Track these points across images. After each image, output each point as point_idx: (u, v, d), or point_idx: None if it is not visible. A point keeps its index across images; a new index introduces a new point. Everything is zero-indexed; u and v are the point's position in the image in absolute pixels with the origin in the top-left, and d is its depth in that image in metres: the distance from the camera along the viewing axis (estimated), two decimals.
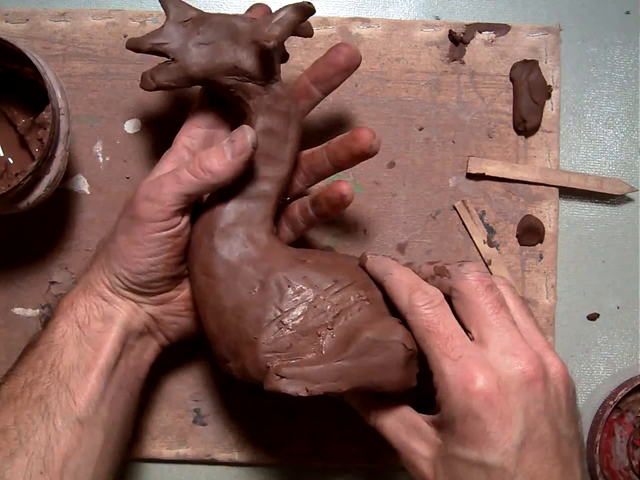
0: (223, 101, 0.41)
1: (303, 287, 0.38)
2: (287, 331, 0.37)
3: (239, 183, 0.39)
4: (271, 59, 0.38)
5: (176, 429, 0.47)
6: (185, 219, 0.39)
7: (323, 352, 0.37)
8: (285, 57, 0.42)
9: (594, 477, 0.47)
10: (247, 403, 0.47)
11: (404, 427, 0.37)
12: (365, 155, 0.41)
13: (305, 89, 0.42)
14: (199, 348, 0.47)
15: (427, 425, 0.36)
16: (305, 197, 0.43)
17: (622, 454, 0.48)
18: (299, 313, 0.38)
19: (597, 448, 0.47)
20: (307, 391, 0.35)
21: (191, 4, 0.48)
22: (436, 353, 0.35)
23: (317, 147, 0.42)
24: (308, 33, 0.42)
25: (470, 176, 0.48)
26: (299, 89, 0.42)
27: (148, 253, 0.38)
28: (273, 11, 0.40)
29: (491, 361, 0.34)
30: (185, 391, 0.48)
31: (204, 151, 0.38)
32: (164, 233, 0.38)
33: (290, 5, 0.38)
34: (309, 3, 0.38)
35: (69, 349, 0.38)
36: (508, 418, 0.33)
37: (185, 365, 0.47)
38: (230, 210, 0.39)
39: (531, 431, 0.33)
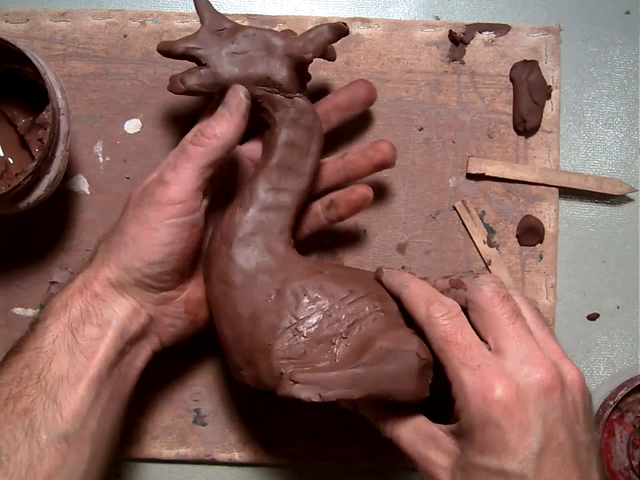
0: None
1: (319, 296, 0.39)
2: (302, 338, 0.38)
3: (258, 194, 0.40)
4: (304, 71, 0.40)
5: (176, 429, 0.47)
6: (204, 204, 0.39)
7: (337, 360, 0.37)
8: (308, 77, 0.43)
9: None
10: (247, 403, 0.47)
11: (420, 437, 0.37)
12: (385, 165, 0.44)
13: (325, 114, 0.44)
14: (199, 348, 0.47)
15: (444, 435, 0.36)
16: (312, 202, 0.44)
17: (622, 454, 0.48)
18: (314, 321, 0.38)
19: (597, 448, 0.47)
20: (320, 397, 0.35)
21: (191, 3, 0.49)
22: (454, 363, 0.35)
23: (330, 157, 0.44)
24: (331, 57, 0.44)
25: (470, 176, 0.48)
26: (319, 112, 0.43)
27: (165, 241, 0.38)
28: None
29: (509, 370, 0.34)
30: (185, 391, 0.48)
31: (201, 123, 0.39)
32: (182, 218, 0.38)
33: (326, 24, 0.40)
34: (344, 24, 0.40)
35: (59, 357, 0.36)
36: (527, 426, 0.33)
37: (185, 365, 0.47)
38: (249, 220, 0.40)
39: (549, 438, 0.33)
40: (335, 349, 0.38)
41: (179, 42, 0.40)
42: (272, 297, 0.39)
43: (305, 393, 0.35)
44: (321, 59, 0.43)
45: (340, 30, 0.40)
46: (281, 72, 0.40)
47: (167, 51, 0.40)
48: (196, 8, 0.41)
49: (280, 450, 0.47)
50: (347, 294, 0.39)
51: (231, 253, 0.39)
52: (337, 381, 0.36)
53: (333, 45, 0.41)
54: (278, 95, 0.40)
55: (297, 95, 0.40)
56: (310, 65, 0.41)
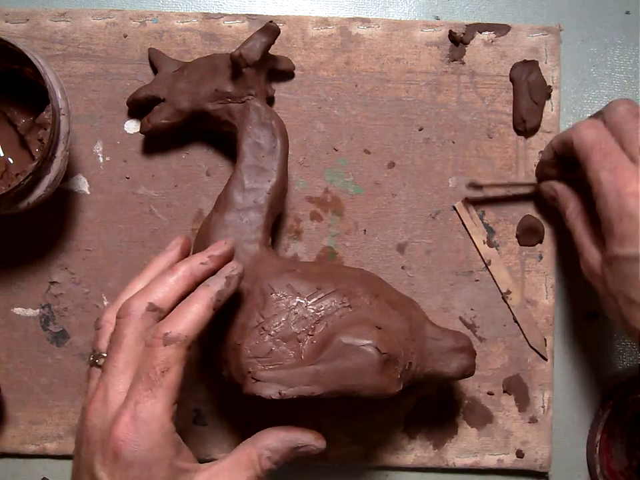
0: None
1: (286, 294, 0.39)
2: (268, 336, 0.38)
3: (232, 196, 0.42)
4: (239, 69, 0.42)
5: (176, 428, 0.47)
6: None
7: (302, 357, 0.38)
8: (269, 100, 0.46)
9: (594, 477, 0.47)
10: (247, 403, 0.47)
11: (588, 231, 0.42)
12: None
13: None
14: (199, 348, 0.47)
15: (600, 238, 0.40)
16: None
17: (622, 454, 0.47)
18: (281, 320, 0.39)
19: (597, 448, 0.47)
20: (281, 394, 0.36)
21: (191, 3, 0.49)
22: (595, 166, 0.39)
23: None
24: (287, 67, 0.47)
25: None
26: None
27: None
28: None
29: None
30: (185, 391, 0.47)
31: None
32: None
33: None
34: (271, 21, 0.42)
35: None
36: None
37: (185, 365, 0.47)
38: (224, 222, 0.41)
39: None
40: (301, 345, 0.38)
41: (140, 90, 0.45)
42: (242, 297, 0.40)
43: (266, 390, 0.36)
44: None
45: (270, 29, 0.42)
46: (226, 82, 0.43)
47: (133, 101, 0.46)
48: (150, 60, 0.46)
49: None
50: (314, 291, 0.39)
51: None
52: (298, 378, 0.36)
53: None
54: (232, 104, 0.43)
55: (248, 97, 0.43)
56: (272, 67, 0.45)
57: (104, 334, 0.38)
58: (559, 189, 0.45)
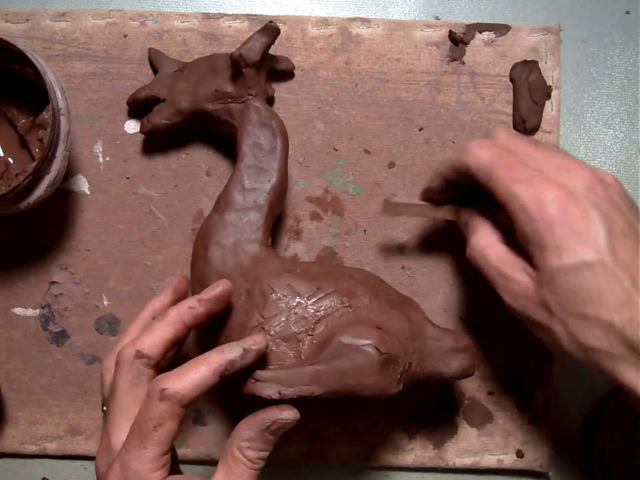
0: None
1: (286, 294, 0.39)
2: (268, 336, 0.38)
3: (232, 196, 0.42)
4: (239, 69, 0.42)
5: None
6: None
7: (302, 357, 0.38)
8: (269, 100, 0.46)
9: (594, 477, 0.47)
10: (247, 403, 0.47)
11: (506, 259, 0.38)
12: None
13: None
14: (199, 349, 0.47)
15: (524, 262, 0.37)
16: None
17: (622, 454, 0.47)
18: (281, 320, 0.39)
19: (597, 448, 0.47)
20: (280, 394, 0.36)
21: (191, 3, 0.49)
22: (505, 181, 0.37)
23: None
24: (288, 67, 0.47)
25: None
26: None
27: None
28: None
29: (554, 178, 0.36)
30: None
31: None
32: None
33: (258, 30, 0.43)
34: (271, 21, 0.42)
35: None
36: (587, 216, 0.35)
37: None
38: (224, 222, 0.41)
39: (610, 224, 0.35)
40: (302, 345, 0.38)
41: (140, 90, 0.45)
42: (242, 297, 0.40)
43: (266, 390, 0.36)
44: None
45: (270, 29, 0.42)
46: (226, 82, 0.43)
47: (133, 101, 0.46)
48: (150, 60, 0.46)
49: (280, 450, 0.47)
50: (314, 291, 0.39)
51: (207, 255, 0.41)
52: (298, 378, 0.36)
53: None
54: (232, 104, 0.43)
55: (248, 97, 0.43)
56: (268, 67, 0.45)
57: (105, 382, 0.40)
58: (470, 214, 0.42)
